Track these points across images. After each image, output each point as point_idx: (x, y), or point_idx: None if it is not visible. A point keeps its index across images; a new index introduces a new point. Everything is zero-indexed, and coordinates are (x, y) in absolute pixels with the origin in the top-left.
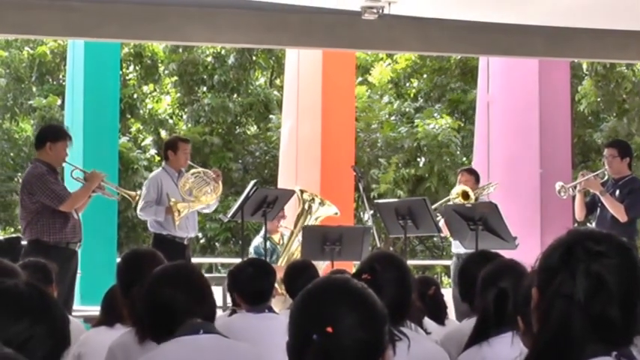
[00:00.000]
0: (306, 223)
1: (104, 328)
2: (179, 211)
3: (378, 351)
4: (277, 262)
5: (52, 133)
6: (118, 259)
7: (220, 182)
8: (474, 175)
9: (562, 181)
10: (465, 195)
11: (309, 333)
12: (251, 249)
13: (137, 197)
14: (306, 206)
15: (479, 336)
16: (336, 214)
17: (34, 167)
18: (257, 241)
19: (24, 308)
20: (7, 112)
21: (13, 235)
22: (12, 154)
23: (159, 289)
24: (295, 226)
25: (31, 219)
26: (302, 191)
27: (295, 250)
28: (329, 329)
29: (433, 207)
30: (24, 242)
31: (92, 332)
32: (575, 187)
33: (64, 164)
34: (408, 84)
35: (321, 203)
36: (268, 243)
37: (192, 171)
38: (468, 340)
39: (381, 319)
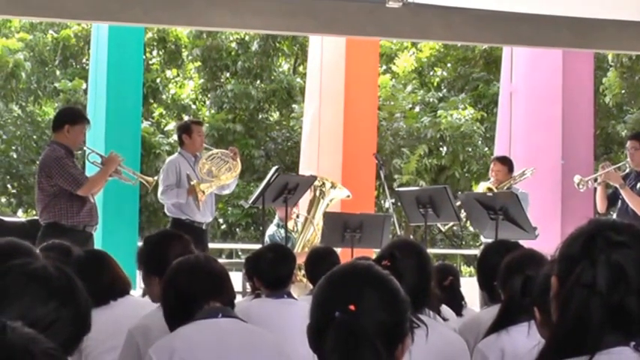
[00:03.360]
0: (319, 209)
1: None
2: (203, 191)
3: (399, 336)
4: (293, 249)
5: (71, 116)
6: (139, 243)
7: (238, 160)
8: (507, 164)
9: (581, 174)
10: (490, 191)
11: (332, 311)
12: (266, 238)
13: (154, 182)
14: (317, 192)
15: (501, 324)
16: (348, 196)
17: (52, 150)
18: (271, 229)
19: (52, 291)
20: (30, 95)
21: (35, 218)
22: (35, 137)
23: (178, 278)
24: (309, 213)
25: (48, 202)
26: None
27: (311, 237)
28: (352, 307)
29: (456, 200)
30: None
31: None
32: (595, 179)
33: (85, 148)
34: (431, 73)
35: (332, 186)
36: (282, 231)
37: (209, 154)
38: (490, 327)
39: (403, 305)
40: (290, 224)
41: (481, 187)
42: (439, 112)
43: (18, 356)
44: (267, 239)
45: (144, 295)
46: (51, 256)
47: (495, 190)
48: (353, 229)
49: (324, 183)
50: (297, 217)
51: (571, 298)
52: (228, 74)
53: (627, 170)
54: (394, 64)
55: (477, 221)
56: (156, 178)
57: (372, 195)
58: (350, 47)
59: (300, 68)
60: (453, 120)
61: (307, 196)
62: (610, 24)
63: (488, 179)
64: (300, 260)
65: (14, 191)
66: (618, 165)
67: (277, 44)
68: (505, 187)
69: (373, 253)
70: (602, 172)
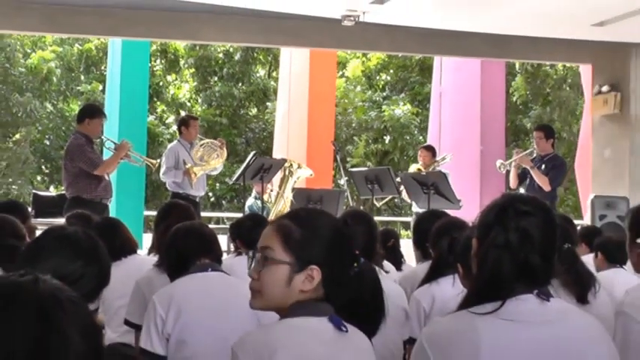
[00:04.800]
0: (288, 185)
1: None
2: (195, 173)
3: None
4: (267, 217)
5: (90, 111)
6: (145, 212)
7: (225, 149)
8: (431, 150)
9: (497, 159)
10: (420, 171)
11: (349, 261)
12: (246, 208)
13: (157, 165)
14: (287, 172)
15: (432, 276)
16: (311, 175)
17: (75, 138)
18: (250, 201)
19: (80, 251)
20: (60, 95)
21: (63, 192)
22: (63, 128)
23: (177, 240)
24: (280, 188)
25: (72, 180)
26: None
27: (282, 208)
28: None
29: (397, 178)
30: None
31: None
32: (511, 163)
33: (102, 137)
34: (377, 77)
35: (299, 167)
36: (259, 202)
37: (202, 142)
38: (423, 279)
39: None
40: (265, 197)
41: (412, 169)
42: (383, 107)
43: (47, 302)
44: (246, 209)
45: (149, 253)
46: (74, 222)
47: (423, 171)
48: (315, 201)
49: (292, 164)
50: (271, 191)
51: (487, 256)
52: (216, 78)
53: (534, 155)
54: (346, 69)
55: (414, 195)
56: (158, 160)
57: (330, 174)
58: (313, 57)
59: (274, 74)
60: (394, 114)
61: (279, 175)
62: (518, 39)
63: (418, 162)
64: None
65: (47, 171)
66: (527, 151)
67: (255, 54)
68: (431, 169)
69: None
70: (517, 157)
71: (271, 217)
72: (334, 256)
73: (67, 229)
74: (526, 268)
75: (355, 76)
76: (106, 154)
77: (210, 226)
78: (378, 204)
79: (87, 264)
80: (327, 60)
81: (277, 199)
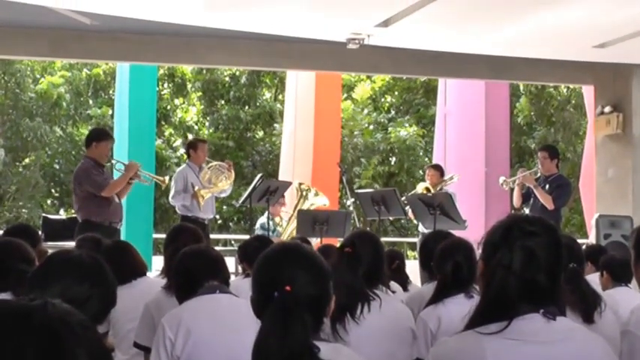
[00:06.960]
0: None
1: None
2: (202, 196)
3: (326, 302)
4: (279, 237)
5: (97, 135)
6: (155, 235)
7: (232, 171)
8: (439, 170)
9: (504, 176)
10: (427, 190)
11: (271, 291)
12: (257, 225)
13: (165, 181)
14: (303, 193)
15: (438, 297)
16: (325, 205)
17: (83, 163)
18: (262, 219)
19: (86, 274)
20: (69, 120)
21: (74, 216)
22: (73, 152)
23: (185, 263)
24: (294, 212)
25: (81, 204)
26: (300, 184)
27: (293, 230)
28: (288, 288)
29: (403, 198)
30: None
31: None
32: (514, 181)
33: (113, 160)
34: (383, 99)
35: (316, 194)
36: (271, 223)
37: (210, 165)
38: (429, 300)
39: (327, 278)
40: (278, 219)
41: (419, 187)
42: (389, 129)
43: (57, 326)
44: (258, 226)
45: (161, 274)
46: (85, 245)
47: (431, 190)
48: (321, 223)
49: (310, 189)
50: (286, 213)
51: (494, 276)
52: (222, 101)
53: (538, 175)
54: (353, 92)
55: (420, 216)
56: (166, 177)
57: (336, 195)
58: (318, 80)
59: (280, 96)
60: (400, 136)
61: (295, 198)
62: (521, 61)
63: (425, 182)
64: None
65: (57, 195)
66: (532, 170)
67: (261, 78)
68: (438, 188)
69: (337, 241)
70: (521, 175)
71: (282, 238)
72: (258, 281)
73: (71, 253)
74: (532, 288)
75: (362, 99)
76: (117, 177)
77: (218, 248)
78: (391, 218)
79: (93, 286)
80: (333, 82)
81: (289, 222)
